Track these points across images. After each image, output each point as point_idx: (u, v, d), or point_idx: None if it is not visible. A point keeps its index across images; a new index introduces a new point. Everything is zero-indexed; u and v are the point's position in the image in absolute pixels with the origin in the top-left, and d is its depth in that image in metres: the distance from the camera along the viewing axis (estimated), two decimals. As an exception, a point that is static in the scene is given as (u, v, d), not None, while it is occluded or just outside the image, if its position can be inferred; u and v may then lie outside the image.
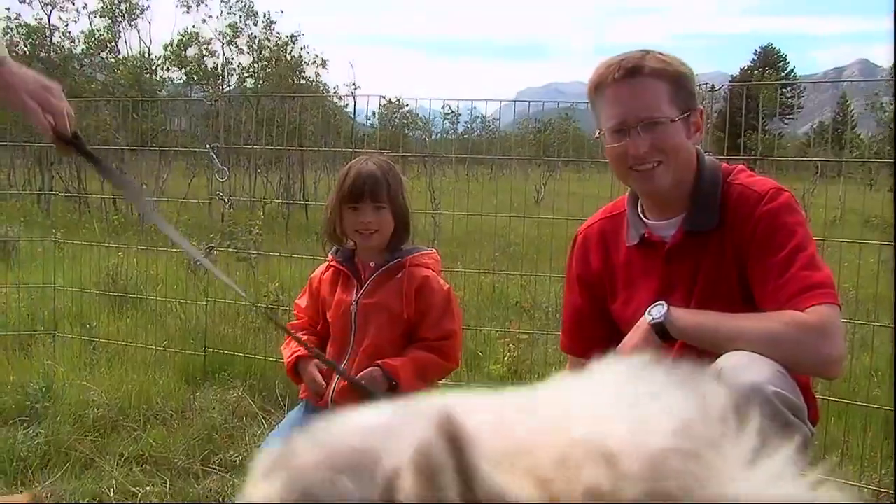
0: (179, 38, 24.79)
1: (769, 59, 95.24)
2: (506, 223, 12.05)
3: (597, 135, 3.28)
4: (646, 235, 3.26)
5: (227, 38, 24.58)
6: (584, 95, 3.40)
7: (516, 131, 32.97)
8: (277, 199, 16.58)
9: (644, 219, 3.30)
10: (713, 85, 5.89)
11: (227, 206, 6.83)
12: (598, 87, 3.16)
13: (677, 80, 3.07)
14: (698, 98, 3.22)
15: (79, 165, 17.85)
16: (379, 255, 4.11)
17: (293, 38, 24.81)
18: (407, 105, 24.80)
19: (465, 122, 34.42)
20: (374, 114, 17.01)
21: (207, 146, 6.15)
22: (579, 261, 3.54)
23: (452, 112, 30.32)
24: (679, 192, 3.17)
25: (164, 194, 15.26)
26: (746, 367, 2.73)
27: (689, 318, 2.99)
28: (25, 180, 20.22)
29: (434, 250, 4.28)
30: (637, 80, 3.06)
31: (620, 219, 3.39)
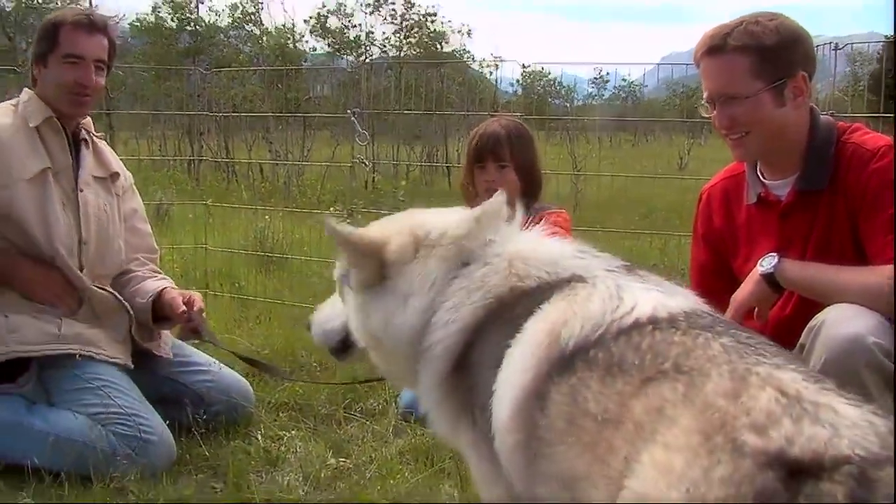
0: (319, 10, 25.13)
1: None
2: (649, 189, 12.00)
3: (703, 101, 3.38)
4: (762, 194, 3.36)
5: (371, 8, 24.80)
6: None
7: (661, 97, 32.56)
8: (420, 164, 16.74)
9: (762, 178, 3.37)
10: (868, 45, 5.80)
11: (367, 169, 7.03)
12: (695, 59, 3.31)
13: (764, 52, 3.11)
14: (806, 61, 3.20)
15: (226, 135, 18.29)
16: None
17: (431, 17, 24.84)
18: (549, 73, 24.74)
19: (611, 89, 34.16)
20: (517, 81, 17.06)
21: (348, 111, 6.34)
22: (703, 219, 3.65)
23: (600, 78, 30.11)
24: (791, 152, 3.25)
25: (309, 160, 15.53)
26: (849, 319, 2.83)
27: (797, 269, 3.10)
28: (176, 150, 20.83)
29: (564, 209, 4.35)
30: (719, 56, 3.17)
31: (742, 178, 3.47)
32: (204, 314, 4.38)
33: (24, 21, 22.85)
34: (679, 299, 2.23)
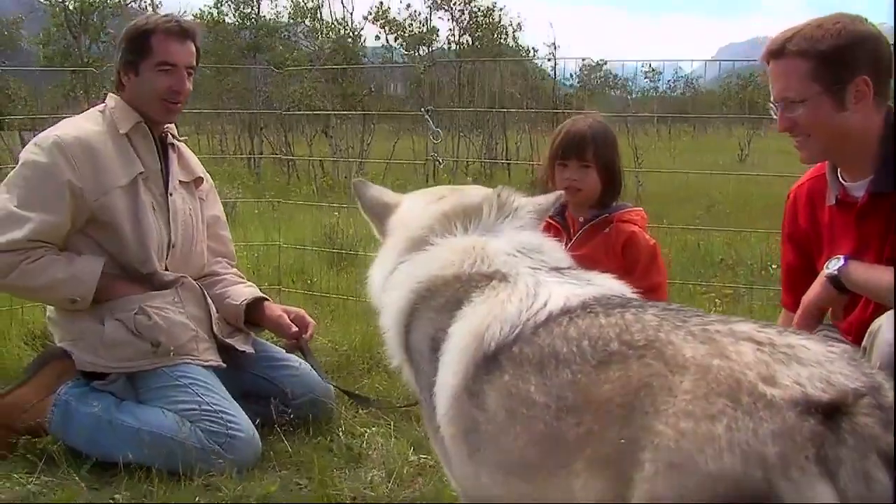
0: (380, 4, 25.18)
1: None
2: (710, 182, 11.90)
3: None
4: (840, 196, 3.37)
5: (434, 4, 24.81)
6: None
7: (719, 89, 32.27)
8: (480, 159, 16.75)
9: (841, 180, 3.38)
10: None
11: (440, 166, 7.09)
12: (761, 59, 3.36)
13: (821, 57, 3.12)
14: (870, 64, 3.15)
15: (286, 130, 18.37)
16: (587, 211, 4.21)
17: (492, 9, 24.81)
18: (605, 64, 24.57)
19: (668, 81, 33.89)
20: (572, 75, 17.07)
21: (422, 110, 6.39)
22: (789, 220, 3.69)
23: (653, 70, 29.95)
24: (860, 154, 3.25)
25: (369, 157, 15.58)
26: None
27: (861, 271, 3.12)
28: (236, 146, 20.94)
29: (640, 209, 4.36)
30: (780, 60, 3.22)
31: (825, 179, 3.48)
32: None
33: (88, 20, 23.09)
34: (591, 288, 2.41)
